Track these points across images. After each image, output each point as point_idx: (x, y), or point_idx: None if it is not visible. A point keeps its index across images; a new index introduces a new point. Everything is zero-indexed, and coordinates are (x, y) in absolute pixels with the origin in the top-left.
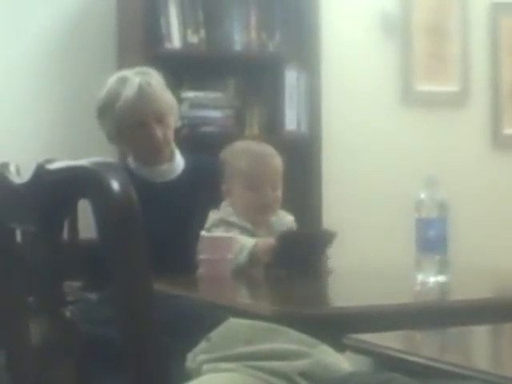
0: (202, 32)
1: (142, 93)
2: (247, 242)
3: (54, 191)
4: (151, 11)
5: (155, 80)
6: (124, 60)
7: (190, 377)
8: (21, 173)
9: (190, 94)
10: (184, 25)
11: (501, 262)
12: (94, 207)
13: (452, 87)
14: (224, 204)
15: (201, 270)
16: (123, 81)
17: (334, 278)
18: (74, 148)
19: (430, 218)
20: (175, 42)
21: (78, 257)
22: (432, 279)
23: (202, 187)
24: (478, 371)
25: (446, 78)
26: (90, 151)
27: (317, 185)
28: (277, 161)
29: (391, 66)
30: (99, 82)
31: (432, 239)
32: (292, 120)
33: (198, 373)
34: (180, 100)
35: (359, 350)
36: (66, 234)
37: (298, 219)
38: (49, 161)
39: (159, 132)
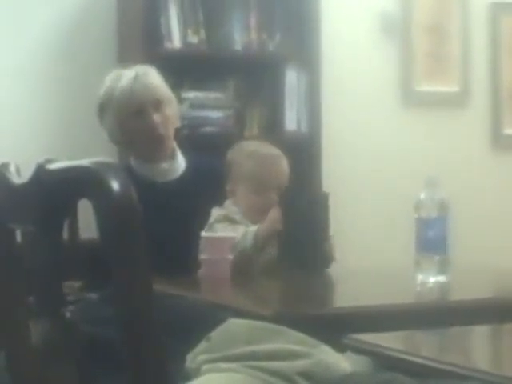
0: (202, 32)
1: (138, 81)
2: (250, 228)
3: (54, 191)
4: (151, 11)
5: (152, 72)
6: (124, 60)
7: (189, 377)
8: (21, 173)
9: (190, 95)
10: (184, 25)
11: (501, 262)
12: (95, 207)
13: (452, 87)
14: (228, 203)
15: (201, 270)
16: (119, 75)
17: (334, 278)
18: (75, 148)
19: (429, 218)
20: (175, 42)
21: (78, 257)
22: (432, 279)
23: (203, 188)
24: (477, 371)
25: (446, 78)
26: (91, 151)
27: (317, 185)
28: (283, 164)
29: (391, 66)
30: (99, 82)
31: (432, 239)
32: (292, 120)
33: (197, 373)
34: (180, 100)
35: (359, 350)
36: (66, 234)
37: None
38: (49, 161)
39: (157, 119)
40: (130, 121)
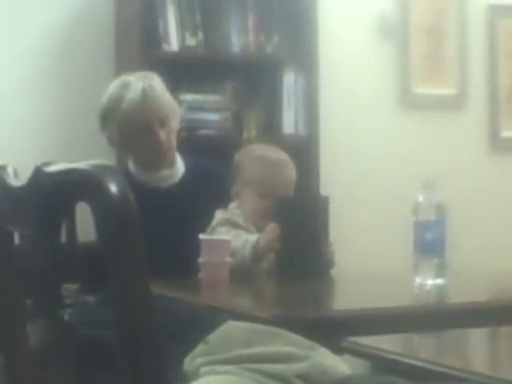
0: (200, 34)
1: (146, 97)
2: (250, 236)
3: (52, 194)
4: (149, 13)
5: (157, 84)
6: (122, 62)
7: (187, 379)
8: (19, 175)
9: (187, 97)
10: (182, 27)
11: (498, 265)
12: (93, 210)
13: (450, 89)
14: (232, 205)
15: (200, 274)
16: (125, 85)
17: (332, 281)
18: (73, 150)
19: (427, 220)
20: (173, 44)
21: (75, 259)
22: (430, 282)
23: (202, 191)
24: (476, 374)
25: (444, 80)
26: (89, 154)
27: (315, 187)
28: (290, 171)
29: (389, 69)
30: (97, 84)
31: (430, 242)
32: (290, 122)
33: (195, 375)
34: (178, 103)
35: (357, 352)
36: (64, 237)
37: None
38: (47, 163)
39: (163, 136)
40: (135, 135)
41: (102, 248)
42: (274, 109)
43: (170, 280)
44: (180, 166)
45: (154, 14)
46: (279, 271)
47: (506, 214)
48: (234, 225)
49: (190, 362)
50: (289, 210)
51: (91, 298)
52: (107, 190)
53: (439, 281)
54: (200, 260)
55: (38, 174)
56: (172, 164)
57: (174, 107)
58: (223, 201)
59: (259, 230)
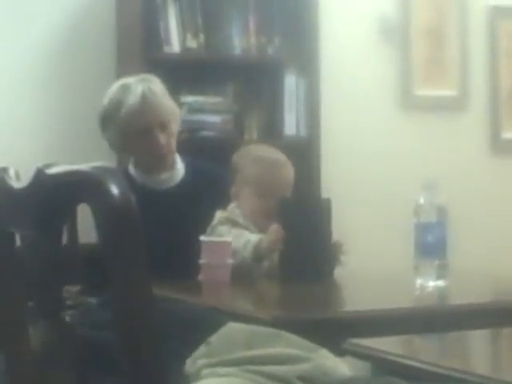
0: (201, 36)
1: (146, 100)
2: (252, 237)
3: (54, 195)
4: (150, 15)
5: (157, 87)
6: (123, 64)
7: (189, 381)
8: (20, 177)
9: (189, 99)
10: (183, 29)
11: (500, 266)
12: (94, 211)
13: (451, 91)
14: (231, 206)
15: (201, 276)
16: (125, 88)
17: (334, 283)
18: (74, 152)
19: (428, 222)
20: (174, 46)
21: (77, 261)
22: (431, 283)
23: (203, 193)
24: (477, 376)
25: (445, 82)
26: (90, 155)
27: (316, 189)
28: (288, 171)
29: (390, 70)
30: (98, 86)
31: (431, 243)
32: (291, 124)
33: (197, 377)
34: (179, 104)
35: (358, 354)
36: (65, 239)
37: None
38: (48, 165)
39: (163, 139)
40: (135, 139)
41: (103, 249)
42: (275, 110)
43: (171, 282)
44: (180, 167)
45: (155, 15)
46: (281, 273)
47: (506, 216)
48: (234, 223)
49: (192, 363)
50: (291, 212)
51: (92, 300)
52: (108, 192)
53: (440, 282)
54: (201, 261)
55: (40, 175)
56: (172, 166)
57: (174, 110)
58: (223, 202)
59: (259, 229)
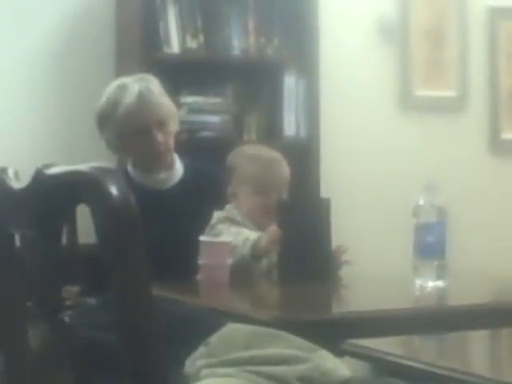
0: (201, 37)
1: (143, 99)
2: (251, 234)
3: (53, 196)
4: (150, 16)
5: (155, 86)
6: (122, 65)
7: (188, 382)
8: (20, 177)
9: (188, 99)
10: (183, 30)
11: (499, 267)
12: (93, 212)
13: (450, 92)
14: (228, 206)
15: (199, 275)
16: (122, 88)
17: (333, 283)
18: (73, 152)
19: (428, 222)
20: (174, 46)
21: (76, 261)
22: (430, 284)
23: (201, 193)
24: (476, 376)
25: (445, 82)
26: (89, 155)
27: (315, 189)
28: (284, 168)
29: (389, 71)
30: (98, 87)
31: (430, 244)
32: (291, 125)
33: (196, 378)
34: (178, 105)
35: (358, 355)
36: (64, 239)
37: None
38: (48, 166)
39: (160, 138)
40: (132, 138)
41: (102, 250)
42: (274, 111)
43: (171, 282)
44: (179, 167)
45: (154, 16)
46: (280, 273)
47: (506, 216)
48: (233, 221)
49: (191, 364)
50: (290, 213)
51: (92, 300)
52: (107, 192)
53: (440, 283)
54: (200, 262)
55: (39, 176)
56: (171, 166)
57: (172, 109)
58: (222, 202)
59: (258, 227)
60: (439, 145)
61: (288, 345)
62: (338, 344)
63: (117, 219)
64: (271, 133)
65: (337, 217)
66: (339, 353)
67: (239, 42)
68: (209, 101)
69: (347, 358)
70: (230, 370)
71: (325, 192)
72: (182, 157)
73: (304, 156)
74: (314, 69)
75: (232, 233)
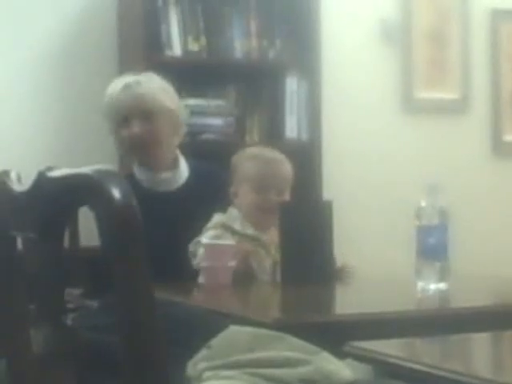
0: (203, 39)
1: (127, 90)
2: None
3: (55, 199)
4: (152, 19)
5: (150, 81)
6: (125, 67)
7: None
8: (22, 180)
9: (190, 102)
10: (185, 32)
11: (501, 269)
12: (96, 215)
13: (452, 94)
14: (230, 208)
15: (202, 278)
16: (116, 82)
17: (335, 285)
18: (76, 155)
19: (430, 225)
20: (176, 49)
21: (78, 264)
22: (433, 286)
23: (206, 197)
24: (479, 378)
25: (447, 84)
26: (92, 158)
27: (317, 191)
28: (285, 168)
29: (391, 73)
30: (100, 90)
31: (433, 246)
32: (292, 127)
33: (198, 380)
34: None
35: (360, 357)
36: (67, 242)
37: None
38: (50, 168)
39: (138, 128)
40: (118, 129)
41: (105, 253)
42: (276, 113)
43: (173, 284)
44: (184, 169)
45: (156, 19)
46: (283, 275)
47: (508, 218)
48: (227, 229)
49: (193, 366)
50: (292, 215)
51: (94, 303)
52: (110, 195)
53: (442, 285)
54: (202, 264)
55: (41, 178)
56: (174, 166)
57: (167, 105)
58: (225, 205)
59: (258, 226)
60: (441, 147)
61: (290, 347)
62: (340, 346)
63: (118, 222)
64: (273, 135)
65: (339, 219)
66: (341, 355)
67: (241, 44)
68: (211, 103)
69: (349, 360)
70: (231, 373)
71: (327, 194)
72: (188, 160)
73: (306, 158)
74: (315, 71)
75: (219, 240)
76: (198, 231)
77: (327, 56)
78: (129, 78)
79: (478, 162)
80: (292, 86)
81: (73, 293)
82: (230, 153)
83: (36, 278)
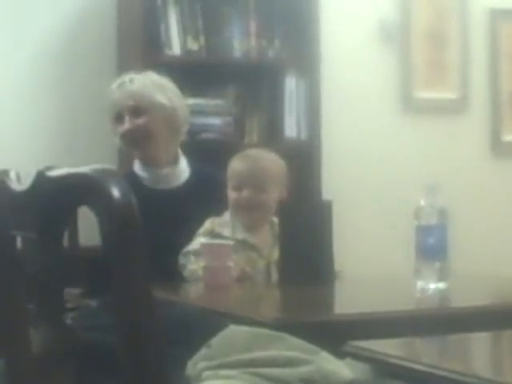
0: (202, 39)
1: (121, 87)
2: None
3: (55, 198)
4: (151, 18)
5: (146, 78)
6: (124, 67)
7: None
8: (21, 180)
9: (189, 101)
10: (184, 32)
11: (501, 269)
12: (96, 214)
13: (451, 94)
14: (226, 212)
15: (200, 277)
16: (115, 81)
17: (334, 285)
18: (75, 154)
19: (429, 224)
20: (175, 48)
21: (78, 264)
22: (432, 286)
23: (205, 197)
24: (478, 378)
25: (446, 85)
26: (91, 157)
27: (316, 191)
28: (265, 164)
29: (391, 73)
30: (99, 89)
31: (432, 246)
32: (292, 127)
33: (198, 380)
34: None
35: (359, 356)
36: (66, 241)
37: None
38: (49, 168)
39: (129, 123)
40: (113, 125)
41: (104, 251)
42: (275, 113)
43: (172, 284)
44: (184, 168)
45: (156, 18)
46: (282, 275)
47: (507, 218)
48: (215, 236)
49: (193, 366)
50: (292, 215)
51: (93, 302)
52: (109, 195)
53: (441, 285)
54: (201, 264)
55: (41, 178)
56: (174, 162)
57: (162, 102)
58: (222, 208)
59: (247, 225)
60: (440, 147)
61: (289, 347)
62: (340, 346)
63: (118, 221)
64: (272, 135)
65: (338, 219)
66: (341, 355)
67: (240, 43)
68: (210, 103)
69: (349, 360)
70: (231, 372)
71: (326, 194)
72: (190, 162)
73: (305, 158)
74: (315, 71)
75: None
76: (194, 232)
77: (326, 56)
78: (126, 76)
79: (477, 161)
80: (291, 85)
81: (72, 292)
82: (229, 152)
83: (35, 277)
